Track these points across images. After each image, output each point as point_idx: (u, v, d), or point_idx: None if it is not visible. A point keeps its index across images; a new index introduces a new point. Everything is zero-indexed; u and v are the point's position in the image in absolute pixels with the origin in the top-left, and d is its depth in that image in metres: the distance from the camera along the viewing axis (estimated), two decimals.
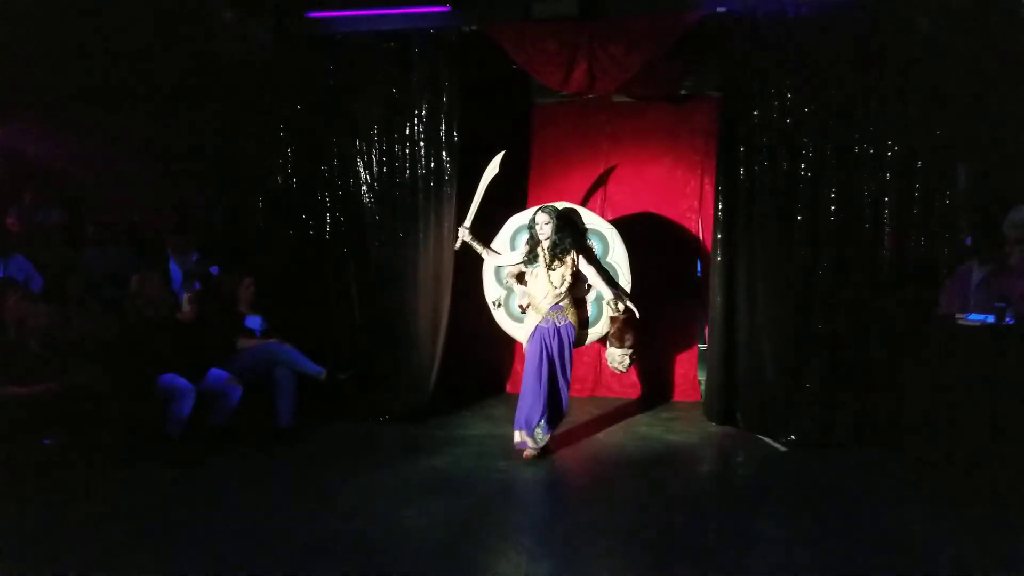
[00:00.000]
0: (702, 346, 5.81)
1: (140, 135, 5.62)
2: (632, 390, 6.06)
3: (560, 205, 4.63)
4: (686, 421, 5.28)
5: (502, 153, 4.65)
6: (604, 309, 4.55)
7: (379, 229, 5.40)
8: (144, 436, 4.30)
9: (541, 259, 4.40)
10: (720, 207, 4.89)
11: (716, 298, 4.97)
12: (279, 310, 5.23)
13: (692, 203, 5.85)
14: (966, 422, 3.76)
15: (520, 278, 4.64)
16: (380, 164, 5.36)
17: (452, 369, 5.43)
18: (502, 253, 4.73)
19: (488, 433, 4.95)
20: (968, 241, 4.61)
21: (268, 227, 5.50)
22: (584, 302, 4.65)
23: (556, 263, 4.37)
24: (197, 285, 4.95)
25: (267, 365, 4.86)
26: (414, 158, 5.28)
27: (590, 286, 4.60)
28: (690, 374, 5.96)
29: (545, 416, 4.34)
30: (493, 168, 4.65)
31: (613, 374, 5.99)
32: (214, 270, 5.46)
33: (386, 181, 5.35)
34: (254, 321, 5.05)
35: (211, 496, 3.85)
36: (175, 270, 5.34)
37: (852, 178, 4.66)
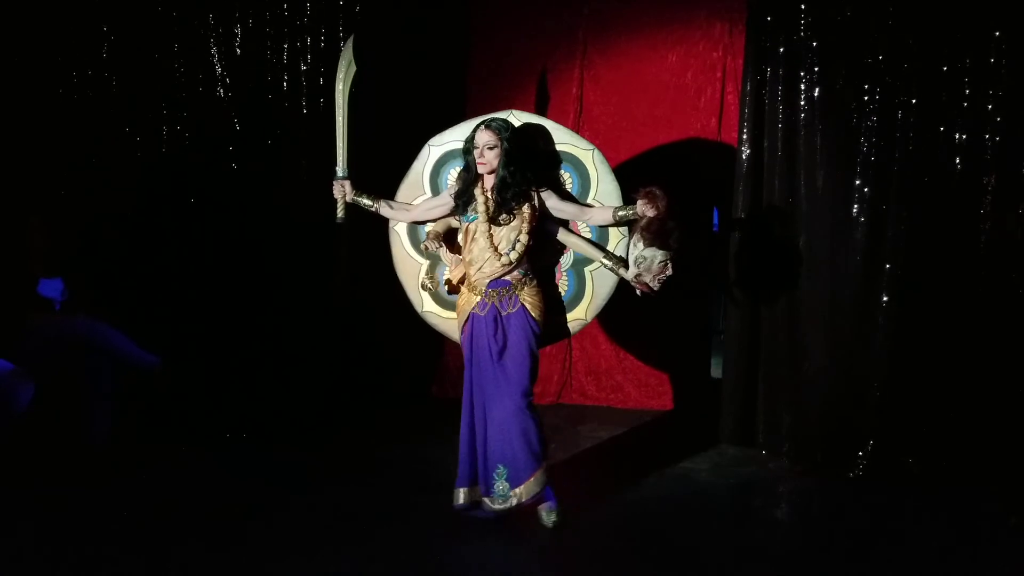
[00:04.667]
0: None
1: None
2: (616, 396, 5.96)
3: (516, 116, 3.97)
4: (697, 443, 5.13)
5: (351, 38, 4.11)
6: (594, 268, 3.99)
7: (241, 144, 5.29)
8: None
9: (481, 208, 3.75)
10: (746, 130, 4.78)
11: (736, 266, 4.92)
12: (89, 269, 5.02)
13: (708, 121, 5.65)
14: None
15: (449, 239, 4.00)
16: (243, 44, 5.27)
17: (352, 364, 5.48)
18: (413, 203, 4.06)
19: (422, 458, 4.74)
20: None
21: (70, 143, 5.25)
22: (552, 273, 4.08)
23: (505, 215, 3.77)
24: None
25: (73, 352, 4.67)
26: (294, 37, 5.24)
27: (562, 246, 4.02)
28: (699, 375, 5.88)
29: (506, 463, 3.77)
30: (345, 64, 4.03)
31: (588, 371, 5.98)
32: None
33: (253, 71, 5.26)
34: (52, 286, 4.79)
35: None
36: None
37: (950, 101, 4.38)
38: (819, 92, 4.60)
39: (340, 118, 4.01)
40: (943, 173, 4.46)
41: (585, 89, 5.81)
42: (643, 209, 3.57)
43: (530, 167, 3.79)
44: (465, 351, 3.82)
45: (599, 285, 4.00)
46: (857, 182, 4.57)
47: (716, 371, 5.85)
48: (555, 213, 3.83)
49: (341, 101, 4.01)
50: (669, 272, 3.65)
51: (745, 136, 4.79)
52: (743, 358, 4.98)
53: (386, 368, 5.96)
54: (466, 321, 3.81)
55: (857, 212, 4.58)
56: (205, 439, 5.05)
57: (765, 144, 4.76)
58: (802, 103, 4.65)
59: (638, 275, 3.64)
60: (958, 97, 4.42)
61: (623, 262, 3.81)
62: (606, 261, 3.86)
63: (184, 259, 5.36)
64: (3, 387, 4.41)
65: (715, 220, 5.75)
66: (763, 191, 4.79)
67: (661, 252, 3.60)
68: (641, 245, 3.61)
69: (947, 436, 4.52)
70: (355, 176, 4.02)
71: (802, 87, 4.64)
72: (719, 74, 5.59)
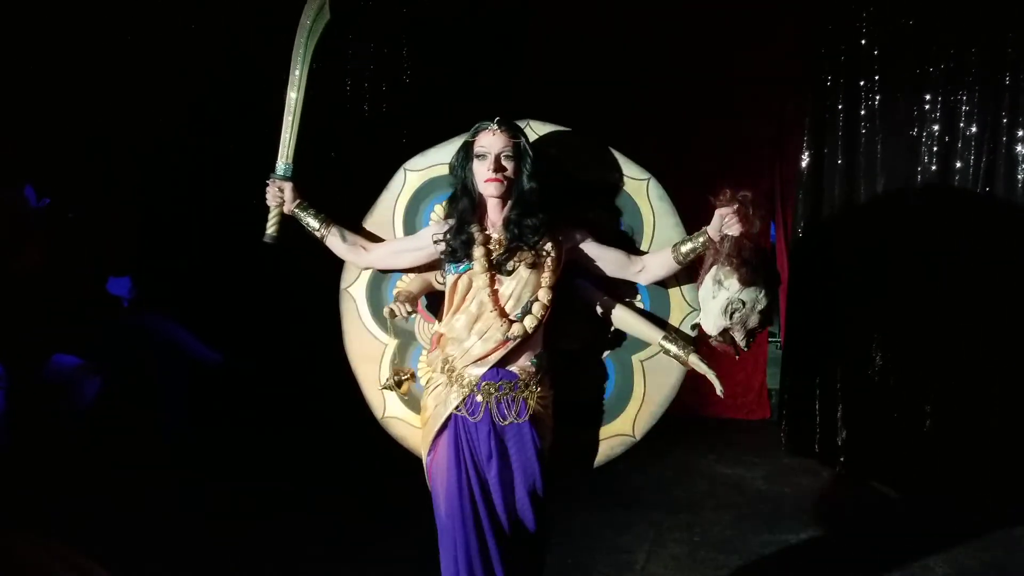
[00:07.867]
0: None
1: None
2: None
3: (533, 128, 2.52)
4: (752, 451, 5.12)
5: None
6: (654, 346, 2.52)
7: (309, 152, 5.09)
8: None
9: (479, 250, 2.34)
10: (807, 138, 4.79)
11: (795, 275, 4.94)
12: (158, 267, 4.99)
13: (767, 130, 5.59)
14: None
15: (431, 305, 2.67)
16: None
17: None
18: (385, 239, 2.63)
19: None
20: None
21: (149, 139, 5.13)
22: (573, 363, 2.59)
23: (518, 259, 2.33)
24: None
25: (142, 349, 4.70)
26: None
27: (600, 321, 2.56)
28: (755, 383, 5.81)
29: None
30: (314, 11, 2.52)
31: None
32: None
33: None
34: (120, 284, 4.81)
35: None
36: None
37: None
38: (880, 100, 4.55)
39: (294, 87, 2.55)
40: (1005, 183, 4.37)
41: (638, 98, 5.58)
42: (727, 225, 2.20)
43: (558, 193, 2.43)
44: (451, 471, 2.37)
45: (656, 383, 2.52)
46: (917, 189, 4.49)
47: (771, 381, 5.82)
48: (596, 263, 2.45)
49: (300, 63, 2.55)
50: (771, 325, 2.50)
51: (806, 144, 4.74)
52: (801, 368, 4.88)
53: None
54: (443, 428, 2.39)
55: (917, 220, 4.49)
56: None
57: (825, 152, 4.69)
58: (863, 111, 4.60)
59: (727, 329, 2.29)
60: (1020, 106, 4.34)
61: (692, 343, 2.46)
62: (668, 344, 2.45)
63: (251, 255, 5.13)
64: (69, 381, 4.36)
65: (772, 231, 5.67)
66: (823, 199, 4.73)
67: (764, 293, 2.26)
68: (735, 282, 2.23)
69: (1015, 455, 4.38)
70: (301, 180, 2.60)
71: (863, 95, 4.59)
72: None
